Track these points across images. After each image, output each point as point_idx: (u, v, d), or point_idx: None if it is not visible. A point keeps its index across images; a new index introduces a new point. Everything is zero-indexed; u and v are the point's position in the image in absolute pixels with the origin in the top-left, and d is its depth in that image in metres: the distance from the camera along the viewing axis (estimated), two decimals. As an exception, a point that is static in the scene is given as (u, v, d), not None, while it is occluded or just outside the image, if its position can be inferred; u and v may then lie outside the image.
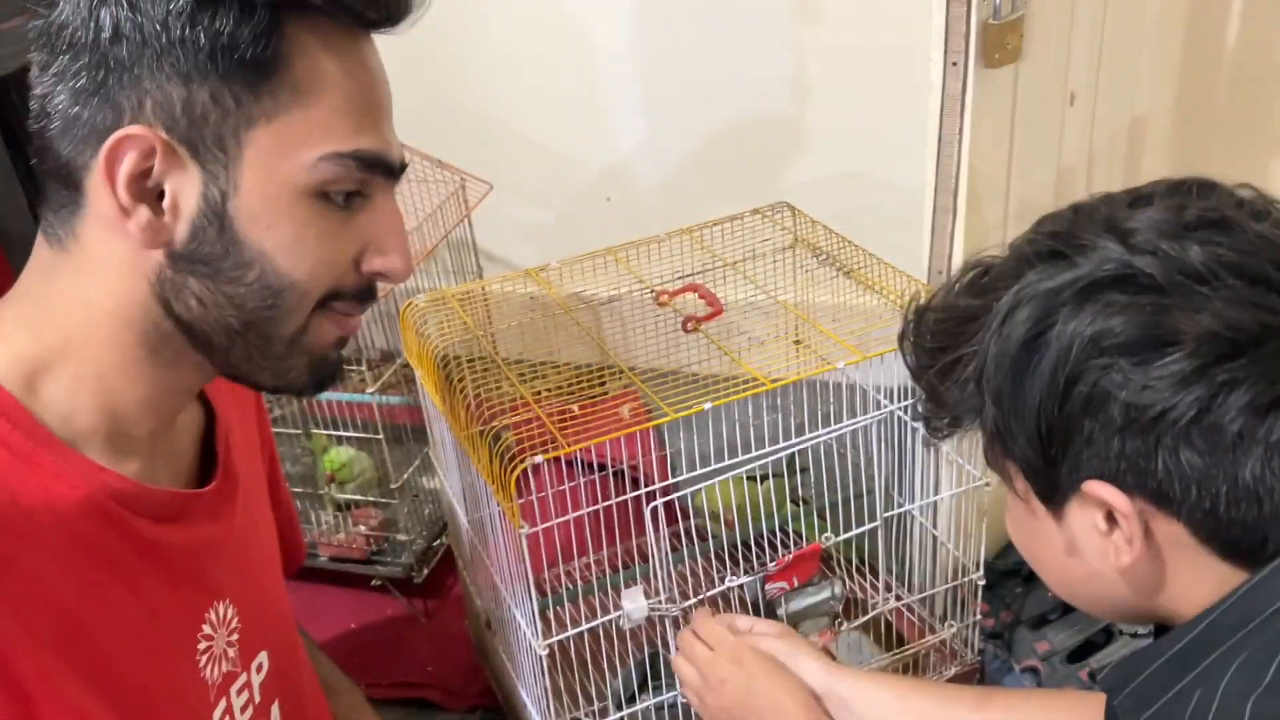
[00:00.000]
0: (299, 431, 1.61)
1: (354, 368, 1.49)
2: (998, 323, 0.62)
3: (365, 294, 0.66)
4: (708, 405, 1.02)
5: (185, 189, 0.59)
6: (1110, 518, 0.62)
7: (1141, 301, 0.58)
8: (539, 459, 0.95)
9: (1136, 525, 0.61)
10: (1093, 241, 0.61)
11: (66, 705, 0.60)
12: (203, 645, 0.69)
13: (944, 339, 0.67)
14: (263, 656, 0.76)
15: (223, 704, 0.71)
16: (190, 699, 0.69)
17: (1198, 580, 0.62)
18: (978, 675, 1.29)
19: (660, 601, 1.06)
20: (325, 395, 1.58)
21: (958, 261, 1.21)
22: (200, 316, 0.62)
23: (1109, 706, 0.72)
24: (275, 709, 0.78)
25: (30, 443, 0.60)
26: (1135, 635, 1.31)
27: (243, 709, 0.73)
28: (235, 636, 0.73)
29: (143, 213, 0.59)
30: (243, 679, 0.74)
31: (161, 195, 0.59)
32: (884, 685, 0.98)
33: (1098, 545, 0.64)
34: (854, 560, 1.38)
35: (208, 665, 0.70)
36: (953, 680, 1.27)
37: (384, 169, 0.64)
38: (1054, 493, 0.64)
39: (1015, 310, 0.61)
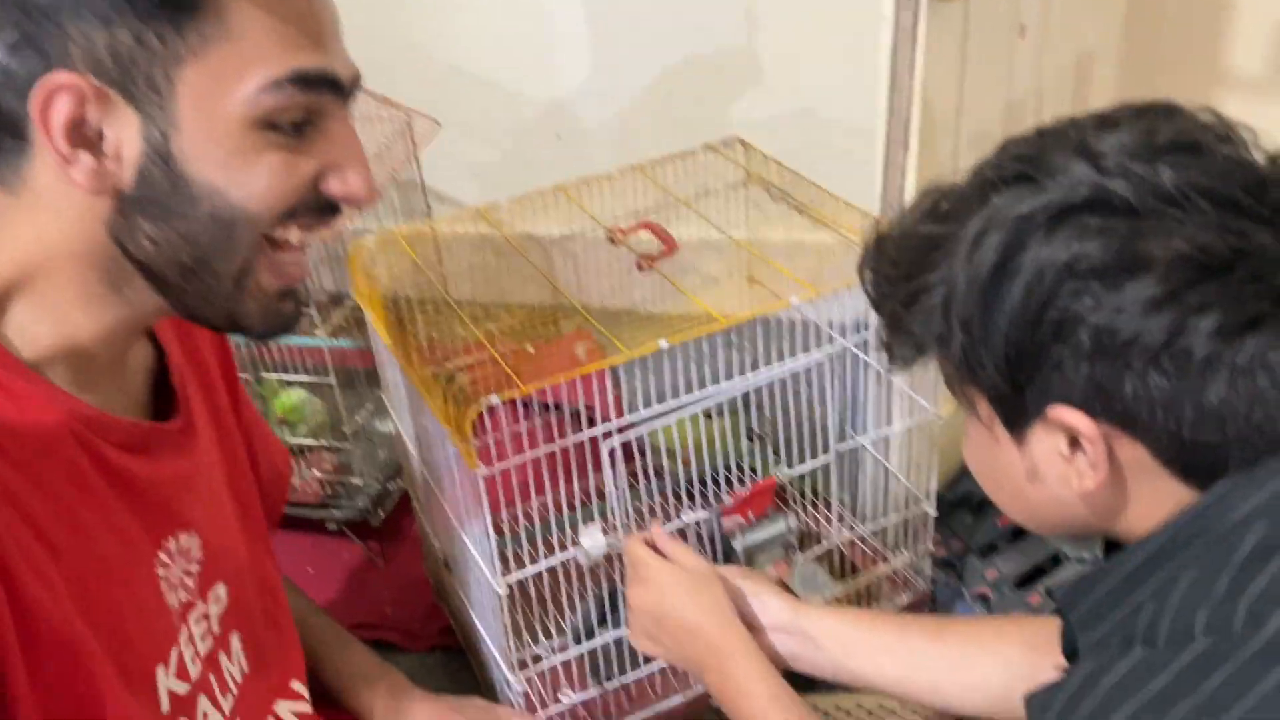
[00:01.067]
0: (247, 376, 1.59)
1: (303, 309, 1.46)
2: (966, 249, 0.61)
3: (328, 209, 0.65)
4: (663, 343, 1.02)
5: (126, 133, 0.58)
6: (1074, 443, 0.63)
7: (1115, 225, 0.58)
8: (494, 400, 0.94)
9: (1101, 449, 0.61)
10: (1062, 165, 0.60)
11: (60, 620, 0.60)
12: (160, 573, 0.70)
13: (907, 267, 0.66)
14: (220, 589, 0.77)
15: (184, 631, 0.72)
16: (158, 623, 0.69)
17: (1157, 502, 0.63)
18: (929, 603, 1.32)
19: (618, 538, 1.06)
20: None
21: (910, 195, 1.21)
22: (154, 255, 0.62)
23: (1065, 623, 0.74)
24: (235, 640, 0.79)
25: (1, 369, 0.61)
26: (1082, 561, 1.34)
27: (202, 636, 0.74)
28: (195, 568, 0.73)
29: (85, 159, 0.58)
30: (200, 609, 0.74)
31: (103, 140, 0.59)
32: (846, 619, 1.00)
33: (1059, 470, 0.64)
34: (808, 494, 1.40)
35: (169, 592, 0.70)
36: (905, 609, 1.30)
37: (329, 86, 0.62)
38: (1019, 419, 0.64)
39: (985, 236, 0.60)
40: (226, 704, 0.76)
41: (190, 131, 0.58)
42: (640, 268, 1.13)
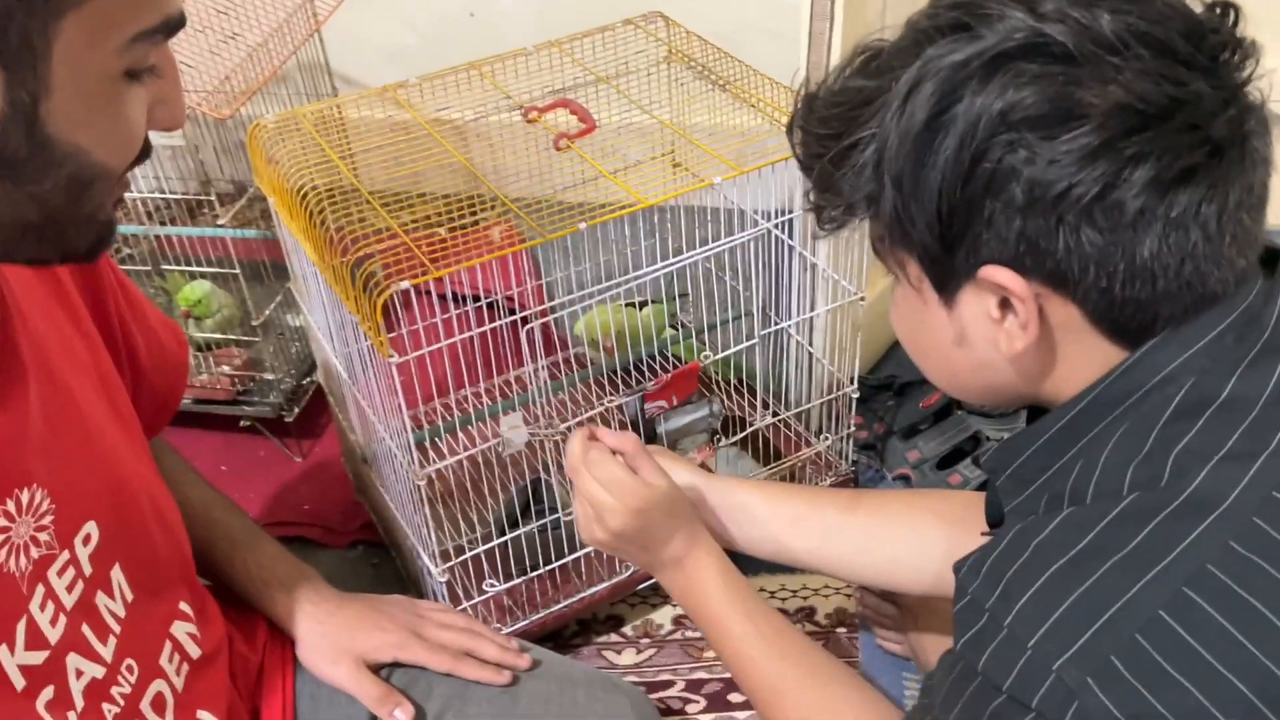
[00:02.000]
0: (148, 269, 1.51)
1: (203, 196, 1.39)
2: (899, 101, 0.59)
3: (145, 151, 0.61)
4: (583, 225, 0.99)
5: None
6: (1004, 304, 0.61)
7: (1053, 71, 0.56)
8: (405, 285, 0.90)
9: (1032, 309, 0.60)
10: (999, 11, 0.58)
11: None
12: None
13: (837, 124, 0.63)
14: (89, 528, 0.72)
15: (40, 590, 0.68)
16: None
17: (1085, 362, 0.63)
18: (852, 484, 1.34)
19: (540, 427, 1.04)
20: (177, 230, 1.49)
21: (835, 72, 1.17)
22: None
23: (991, 489, 0.74)
24: (116, 571, 0.75)
25: None
26: (1002, 440, 1.36)
27: (69, 587, 0.70)
28: (49, 520, 0.69)
29: None
30: (64, 557, 0.70)
31: None
32: (755, 490, 0.99)
33: (988, 333, 0.63)
34: (731, 380, 1.39)
35: (10, 558, 0.66)
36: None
37: (179, 28, 0.57)
38: (949, 280, 0.63)
39: (918, 87, 0.58)
40: (107, 650, 0.72)
41: (60, 92, 0.53)
42: (558, 147, 1.08)
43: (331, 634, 0.91)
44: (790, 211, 1.19)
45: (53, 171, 0.55)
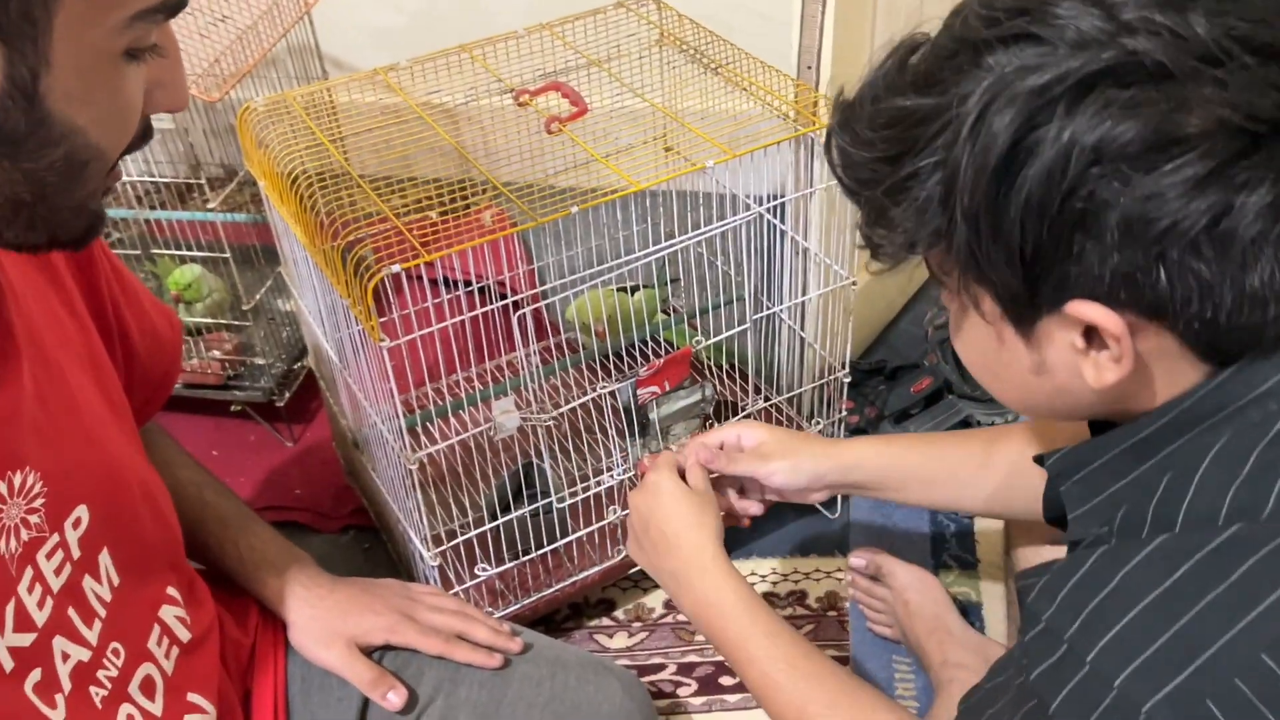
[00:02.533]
0: (138, 253, 1.51)
1: (193, 180, 1.38)
2: (968, 128, 0.53)
3: (147, 135, 0.61)
4: (574, 209, 0.98)
5: None
6: (1088, 334, 0.57)
7: (1148, 96, 0.50)
8: (396, 268, 0.90)
9: (1128, 344, 0.55)
10: (1071, 15, 0.51)
11: None
12: None
13: (889, 146, 0.57)
14: (80, 511, 0.72)
15: (28, 573, 0.67)
16: None
17: (1172, 385, 0.58)
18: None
19: (532, 411, 1.04)
20: (167, 214, 1.48)
21: (828, 56, 1.17)
22: None
23: (1053, 492, 0.68)
24: (104, 555, 0.75)
25: None
26: (994, 424, 1.37)
27: (57, 570, 0.70)
28: (40, 502, 0.68)
29: None
30: (53, 540, 0.70)
31: None
32: (880, 462, 0.97)
33: (1071, 362, 0.58)
34: (724, 365, 1.39)
35: (0, 539, 0.65)
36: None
37: (180, 9, 0.57)
38: (1030, 314, 0.57)
39: (990, 113, 0.52)
40: (93, 634, 0.72)
41: (61, 67, 0.52)
42: (550, 130, 1.08)
43: (323, 617, 0.91)
44: (782, 196, 1.18)
45: (50, 149, 0.54)
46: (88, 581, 0.73)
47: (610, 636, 1.26)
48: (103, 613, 0.74)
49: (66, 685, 0.70)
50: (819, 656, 0.83)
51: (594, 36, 1.23)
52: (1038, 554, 1.05)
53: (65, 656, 0.70)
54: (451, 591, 1.14)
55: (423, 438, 1.19)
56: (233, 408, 1.49)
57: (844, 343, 1.24)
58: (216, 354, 1.47)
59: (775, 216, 1.19)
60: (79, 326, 0.77)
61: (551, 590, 1.19)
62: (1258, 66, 0.50)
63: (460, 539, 1.12)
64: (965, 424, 1.38)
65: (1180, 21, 0.50)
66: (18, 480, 0.67)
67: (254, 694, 0.89)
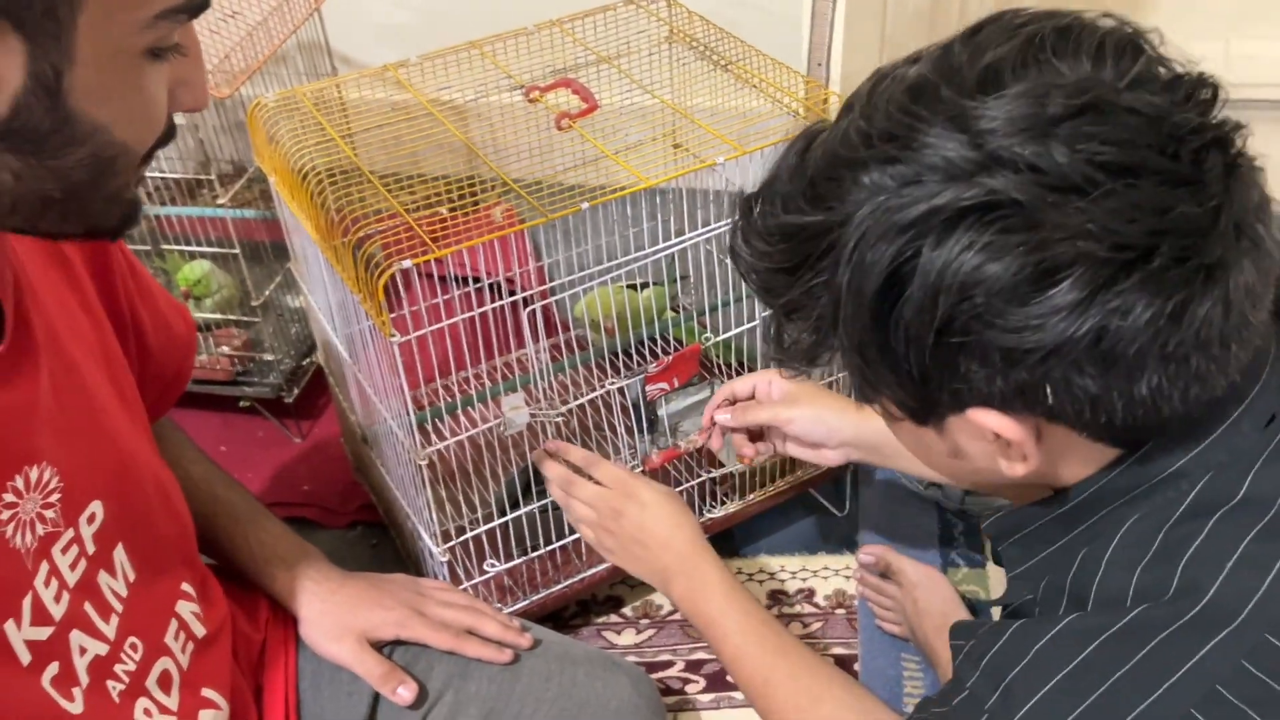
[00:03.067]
0: (147, 248, 1.51)
1: (203, 176, 1.38)
2: (847, 255, 0.53)
3: (170, 133, 0.61)
4: (585, 205, 0.98)
5: (7, 63, 0.51)
6: (998, 436, 0.57)
7: (1013, 240, 0.50)
8: (407, 263, 0.90)
9: (1031, 445, 0.57)
10: (939, 145, 0.51)
11: None
12: (5, 515, 0.65)
13: (783, 259, 0.57)
14: (94, 507, 0.72)
15: (44, 566, 0.68)
16: (3, 576, 0.65)
17: (1089, 464, 0.60)
18: (851, 465, 1.34)
19: (541, 407, 1.04)
20: (177, 210, 1.48)
21: (839, 52, 1.17)
22: (13, 189, 0.55)
23: (994, 551, 0.73)
24: (119, 551, 0.75)
25: None
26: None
27: (72, 565, 0.70)
28: (55, 497, 0.69)
29: None
30: (68, 535, 0.70)
31: None
32: None
33: (986, 451, 0.59)
34: (733, 362, 1.39)
35: (16, 533, 0.65)
36: (828, 470, 1.31)
37: (203, 9, 0.57)
38: (931, 419, 0.59)
39: (862, 246, 0.53)
40: (110, 628, 0.72)
41: (84, 65, 0.52)
42: (560, 127, 1.08)
43: (334, 611, 0.91)
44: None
45: (75, 148, 0.55)
46: (103, 576, 0.73)
47: (618, 633, 1.26)
48: (119, 608, 0.74)
49: (84, 679, 0.70)
50: (788, 636, 0.89)
51: (604, 33, 1.23)
52: (934, 623, 1.12)
53: (83, 650, 0.70)
54: (460, 588, 1.15)
55: (432, 434, 1.19)
56: (241, 403, 1.49)
57: (853, 340, 1.24)
58: (225, 350, 1.47)
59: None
60: (94, 322, 0.77)
61: (560, 587, 1.20)
62: (1124, 190, 0.50)
63: (469, 534, 1.12)
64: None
65: (1041, 153, 0.50)
66: (34, 475, 0.67)
67: (265, 689, 0.89)
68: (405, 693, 0.88)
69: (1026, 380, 0.53)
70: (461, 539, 1.12)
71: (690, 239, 1.07)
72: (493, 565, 1.14)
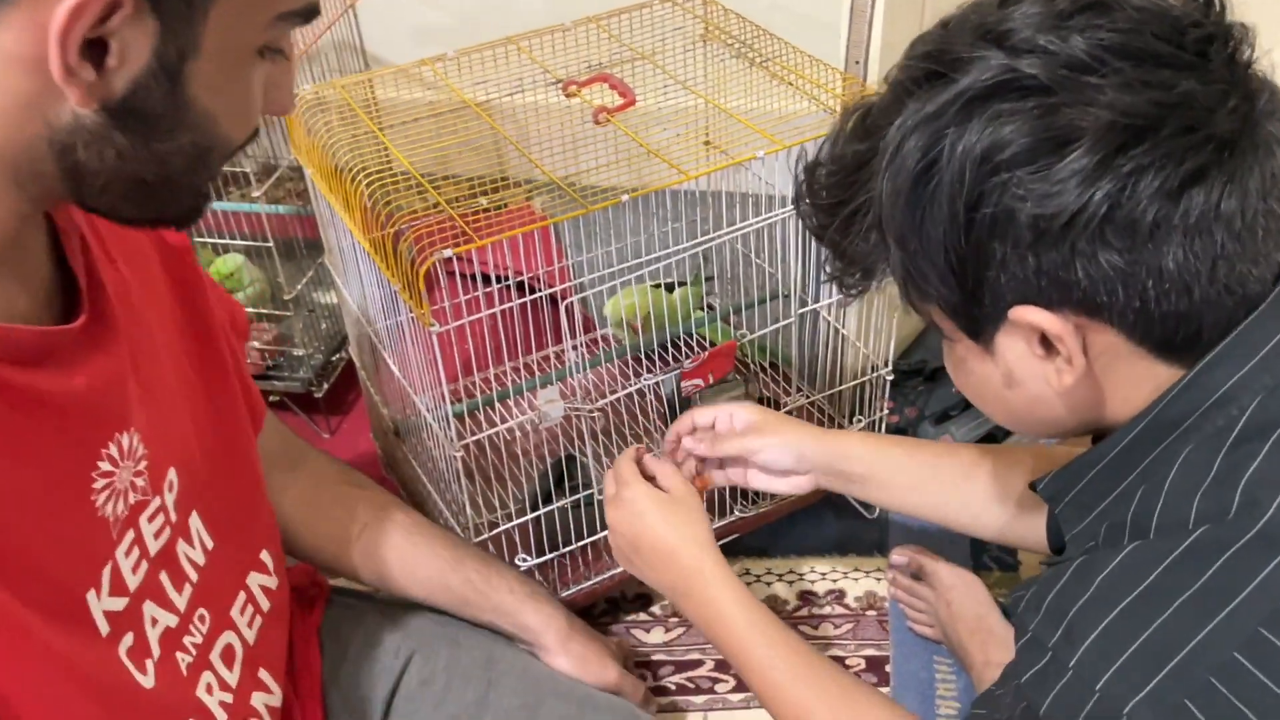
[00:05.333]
0: (181, 243, 1.51)
1: (236, 169, 1.39)
2: (886, 160, 0.58)
3: (256, 132, 0.63)
4: (625, 197, 0.98)
5: (137, 43, 0.52)
6: (1044, 341, 0.60)
7: (1029, 105, 0.55)
8: (448, 252, 0.90)
9: (1074, 341, 0.58)
10: (969, 53, 0.56)
11: None
12: (100, 484, 0.65)
13: (838, 191, 0.63)
14: (171, 475, 0.72)
15: (129, 536, 0.68)
16: (87, 547, 0.64)
17: (1138, 386, 0.61)
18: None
19: (576, 401, 1.04)
20: (213, 204, 1.49)
21: (877, 50, 1.17)
22: (114, 168, 0.55)
23: (1050, 516, 0.71)
24: (194, 518, 0.75)
25: None
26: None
27: (156, 534, 0.70)
28: (144, 465, 0.69)
29: (88, 73, 0.51)
30: (155, 503, 0.70)
31: (108, 52, 0.51)
32: (866, 458, 0.99)
33: (1035, 370, 0.61)
34: (765, 361, 1.39)
35: (109, 502, 0.65)
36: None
37: (315, 16, 0.59)
38: (979, 326, 0.61)
39: (902, 143, 0.57)
40: (182, 599, 0.72)
41: (208, 55, 0.54)
42: (598, 121, 1.08)
43: (593, 640, 1.00)
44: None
45: (182, 133, 0.56)
46: (181, 545, 0.73)
47: (647, 631, 1.25)
48: (194, 577, 0.74)
49: (156, 651, 0.70)
50: (819, 661, 0.84)
51: (640, 30, 1.23)
52: (968, 626, 1.12)
53: (154, 621, 0.70)
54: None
55: (468, 424, 1.19)
56: (271, 398, 1.49)
57: (888, 340, 1.24)
58: (256, 344, 1.47)
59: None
60: (163, 295, 0.77)
61: (590, 583, 1.19)
62: (1131, 69, 0.54)
63: (501, 529, 1.12)
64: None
65: (1056, 40, 0.55)
66: (126, 442, 0.67)
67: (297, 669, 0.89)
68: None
69: (1056, 259, 0.56)
70: (493, 533, 1.12)
71: (723, 235, 1.07)
72: (524, 560, 1.13)
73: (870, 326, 1.25)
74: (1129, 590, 0.56)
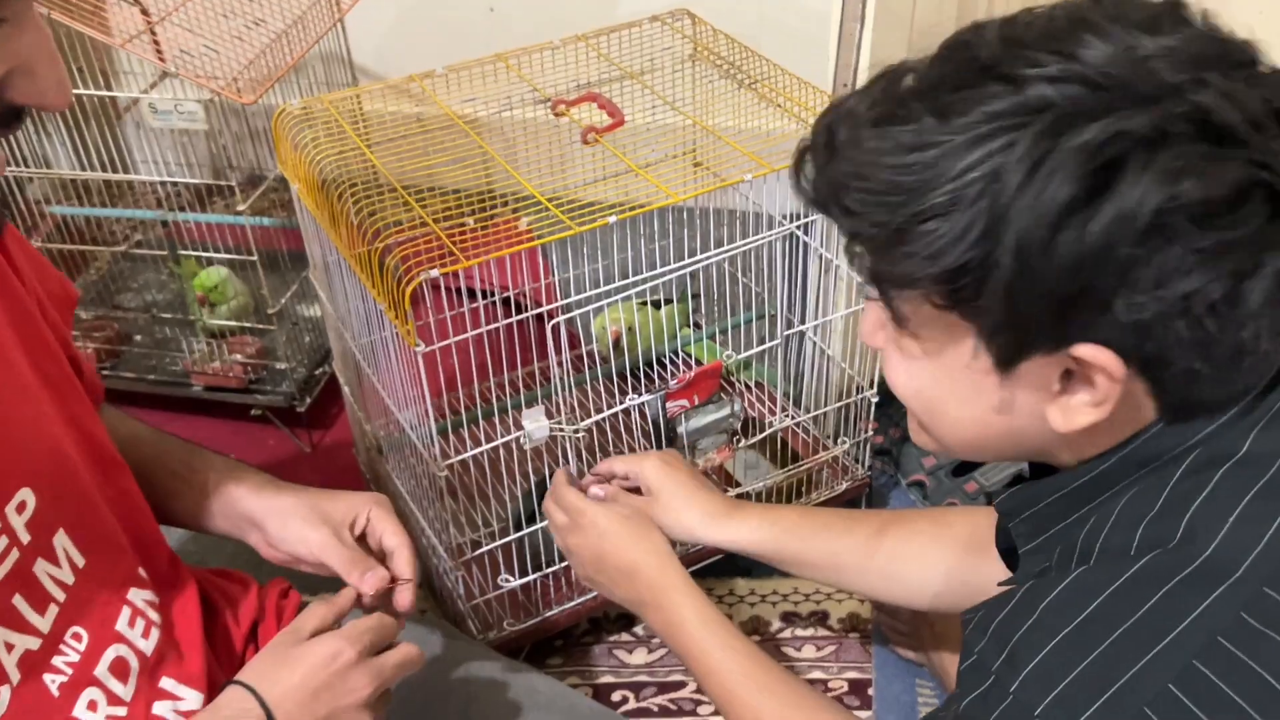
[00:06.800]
0: (164, 254, 1.50)
1: (222, 182, 1.38)
2: (1022, 175, 0.51)
3: (9, 117, 0.58)
4: (612, 219, 0.98)
5: None
6: (1066, 377, 0.57)
7: (1217, 156, 0.51)
8: (434, 273, 0.90)
9: (1118, 390, 0.56)
10: (1105, 58, 0.51)
11: None
12: None
13: (910, 173, 0.54)
14: (23, 495, 0.70)
15: None
16: None
17: (1116, 432, 0.60)
18: (867, 489, 1.33)
19: (561, 421, 1.04)
20: (194, 217, 1.48)
21: (864, 73, 1.17)
22: None
23: (1003, 528, 0.72)
24: (60, 538, 0.73)
25: None
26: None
27: (1, 557, 0.68)
28: None
29: None
30: None
31: None
32: (764, 540, 0.98)
33: (1036, 405, 0.59)
34: (750, 381, 1.39)
35: None
36: (843, 494, 1.31)
37: None
38: (1022, 353, 0.57)
39: (1047, 164, 0.51)
40: (45, 620, 0.70)
41: None
42: (586, 141, 1.07)
43: (308, 499, 0.86)
44: (810, 215, 1.18)
45: None
46: (42, 565, 0.71)
47: (630, 652, 1.25)
48: (61, 597, 0.72)
49: (15, 676, 0.68)
50: (774, 668, 0.86)
51: (628, 49, 1.23)
52: (952, 650, 1.13)
53: (9, 647, 0.68)
54: (473, 602, 1.14)
55: (453, 443, 1.18)
56: (253, 412, 1.48)
57: (873, 362, 1.24)
58: (238, 357, 1.46)
59: (803, 232, 1.19)
60: (8, 304, 0.74)
61: (573, 604, 1.18)
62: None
63: (484, 549, 1.11)
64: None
65: (1239, 89, 0.52)
66: None
67: None
68: (372, 579, 0.82)
69: (1160, 316, 0.53)
70: (476, 553, 1.11)
71: (712, 256, 1.07)
72: (507, 580, 1.13)
73: (856, 348, 1.26)
74: (1071, 618, 0.56)
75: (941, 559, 0.97)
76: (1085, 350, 0.55)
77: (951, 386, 0.61)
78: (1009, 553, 0.76)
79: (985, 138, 0.53)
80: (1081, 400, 0.57)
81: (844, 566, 0.99)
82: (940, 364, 0.61)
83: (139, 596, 0.79)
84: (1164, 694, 0.52)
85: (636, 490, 1.02)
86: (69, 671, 0.72)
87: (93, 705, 0.73)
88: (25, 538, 0.70)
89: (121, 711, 0.74)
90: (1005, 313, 0.55)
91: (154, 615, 0.80)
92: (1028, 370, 0.57)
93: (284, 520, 0.85)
